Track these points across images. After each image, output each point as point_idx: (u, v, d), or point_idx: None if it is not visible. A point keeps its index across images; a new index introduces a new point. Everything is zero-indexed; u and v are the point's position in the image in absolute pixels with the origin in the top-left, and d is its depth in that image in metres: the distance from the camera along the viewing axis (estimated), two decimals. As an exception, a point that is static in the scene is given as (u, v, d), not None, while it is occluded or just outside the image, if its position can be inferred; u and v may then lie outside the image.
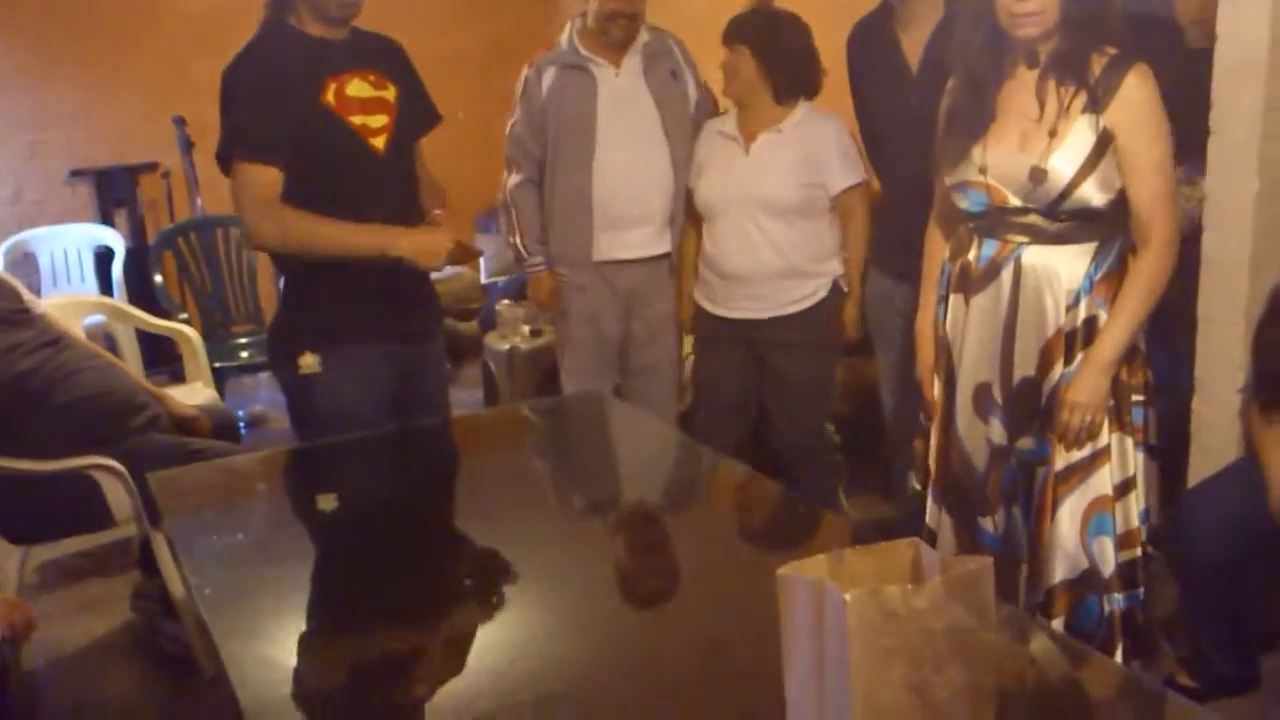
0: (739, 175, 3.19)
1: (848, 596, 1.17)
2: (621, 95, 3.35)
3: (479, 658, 1.72)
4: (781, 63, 3.14)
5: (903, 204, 2.93)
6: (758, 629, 1.45)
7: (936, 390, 2.54)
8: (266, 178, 2.50)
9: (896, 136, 2.96)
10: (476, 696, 1.60)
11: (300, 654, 1.75)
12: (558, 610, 1.87)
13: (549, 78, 3.37)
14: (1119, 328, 2.28)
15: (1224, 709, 2.51)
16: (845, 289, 3.26)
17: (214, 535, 2.20)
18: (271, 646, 1.76)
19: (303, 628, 1.85)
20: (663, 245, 3.46)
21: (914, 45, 2.86)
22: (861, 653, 1.18)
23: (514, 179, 3.47)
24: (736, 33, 3.18)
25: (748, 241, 3.19)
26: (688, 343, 3.76)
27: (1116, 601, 2.36)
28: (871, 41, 3.00)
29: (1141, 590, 2.40)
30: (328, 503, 2.47)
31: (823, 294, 3.24)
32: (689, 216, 3.39)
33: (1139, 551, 2.38)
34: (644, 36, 3.38)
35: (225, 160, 2.55)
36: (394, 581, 1.95)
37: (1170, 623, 2.68)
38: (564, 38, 3.41)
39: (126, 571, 3.53)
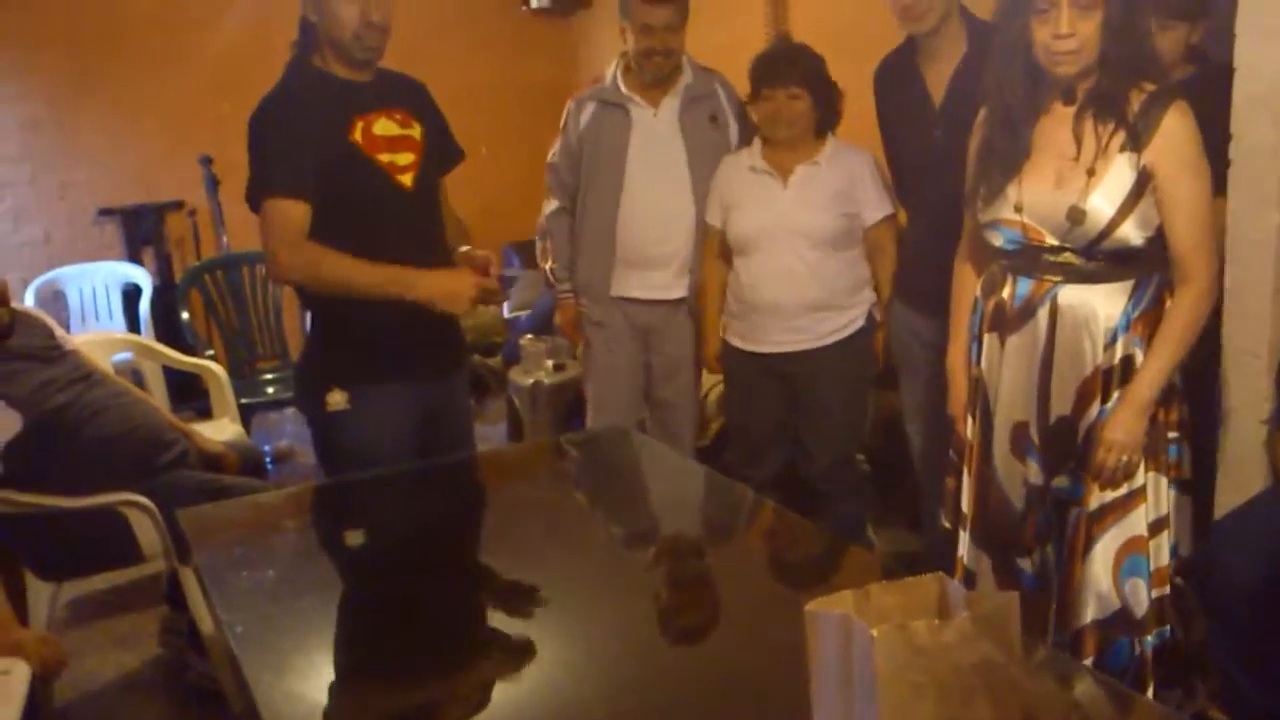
0: (779, 208, 3.21)
1: (875, 632, 1.18)
2: (654, 136, 3.40)
3: (506, 694, 1.73)
4: (825, 98, 3.19)
5: (928, 236, 2.96)
6: (785, 665, 1.46)
7: (971, 430, 2.52)
8: (295, 213, 2.52)
9: (921, 169, 2.98)
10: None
11: (331, 690, 1.77)
12: (585, 647, 1.88)
13: (588, 113, 3.45)
14: (1157, 367, 2.25)
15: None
16: (878, 319, 3.29)
17: (244, 571, 2.22)
18: (302, 682, 1.78)
19: (333, 663, 1.86)
20: (681, 289, 3.49)
21: (938, 79, 2.89)
22: (889, 688, 1.19)
23: (550, 207, 3.59)
24: (790, 75, 3.15)
25: (789, 273, 3.20)
26: (708, 379, 3.77)
27: (1148, 643, 2.34)
28: (896, 76, 3.02)
29: (1169, 626, 2.37)
30: (356, 538, 2.50)
31: (860, 323, 3.27)
32: (712, 254, 3.40)
33: (1168, 588, 2.36)
34: (687, 77, 3.42)
35: (255, 199, 2.57)
36: (423, 617, 1.96)
37: (1200, 654, 2.67)
38: (609, 73, 3.48)
39: (155, 607, 3.55)
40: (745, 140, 3.44)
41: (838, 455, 3.40)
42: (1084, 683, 1.62)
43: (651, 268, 3.46)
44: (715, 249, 3.38)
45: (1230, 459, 2.74)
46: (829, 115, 3.22)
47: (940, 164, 2.76)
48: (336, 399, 2.61)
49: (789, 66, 3.17)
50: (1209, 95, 2.43)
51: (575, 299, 3.61)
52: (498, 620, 2.02)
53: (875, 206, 3.22)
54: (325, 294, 2.59)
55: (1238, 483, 2.72)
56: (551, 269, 3.62)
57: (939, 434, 3.00)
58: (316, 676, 1.81)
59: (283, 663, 1.82)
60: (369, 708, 1.74)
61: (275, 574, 2.22)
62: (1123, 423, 2.26)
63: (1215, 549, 2.50)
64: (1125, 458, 2.27)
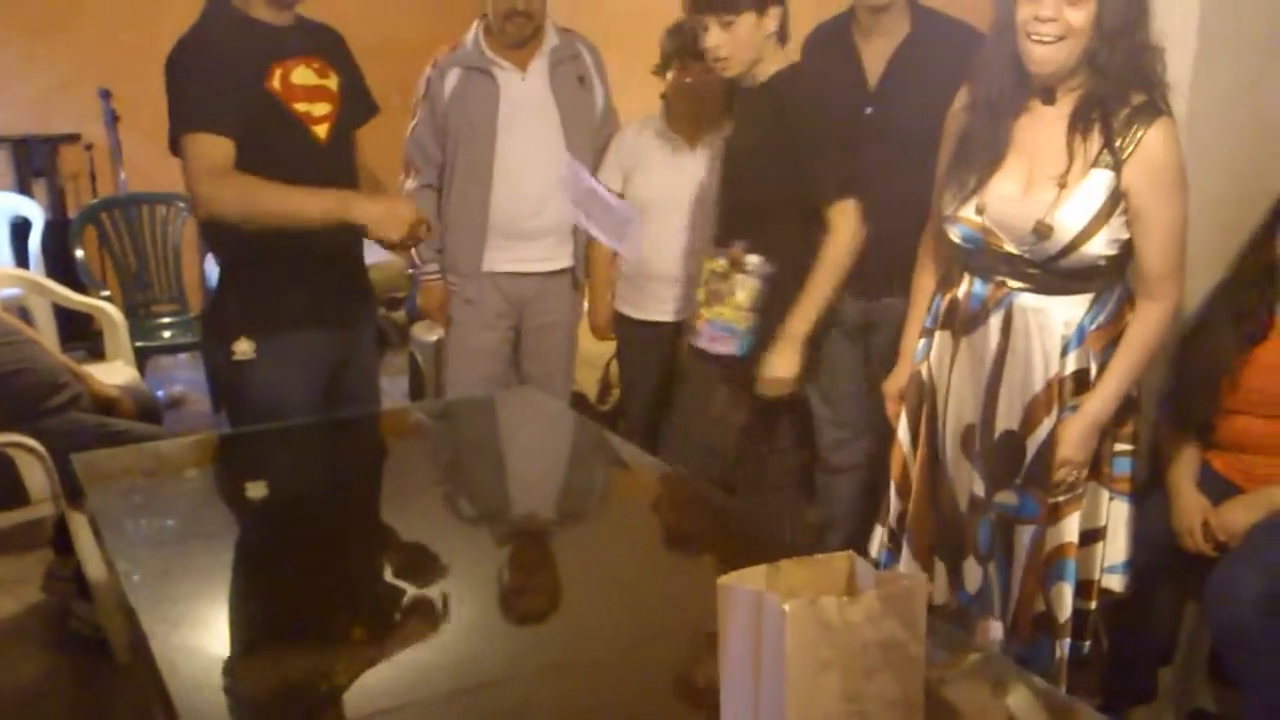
0: (685, 174, 3.21)
1: (787, 607, 1.21)
2: (525, 101, 3.26)
3: (404, 650, 1.73)
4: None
5: None
6: (681, 621, 1.47)
7: (906, 434, 2.48)
8: (219, 146, 2.45)
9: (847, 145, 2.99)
10: (397, 685, 1.62)
11: (229, 642, 1.76)
12: (484, 606, 1.89)
13: (452, 79, 3.26)
14: (1115, 385, 2.22)
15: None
16: None
17: (141, 519, 2.18)
18: (200, 634, 1.76)
19: (231, 616, 1.84)
20: (558, 261, 3.40)
21: (874, 55, 2.85)
22: (797, 662, 1.22)
23: (411, 183, 3.37)
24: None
25: (687, 240, 3.21)
26: (609, 347, 3.77)
27: (1066, 646, 2.32)
28: (829, 47, 3.00)
29: (1088, 644, 2.37)
30: (258, 490, 2.46)
31: None
32: None
33: (1093, 604, 2.36)
34: (552, 39, 3.30)
35: (175, 136, 2.50)
36: (322, 572, 1.95)
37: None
38: (469, 37, 3.30)
39: (37, 551, 3.47)
40: (606, 107, 3.41)
41: None
42: (1019, 690, 1.63)
43: (527, 240, 3.34)
44: None
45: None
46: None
47: (869, 142, 2.77)
48: (244, 348, 2.57)
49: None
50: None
51: (443, 278, 3.42)
52: (395, 576, 2.01)
53: None
54: (252, 226, 2.48)
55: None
56: (415, 250, 3.33)
57: (843, 407, 3.07)
58: (214, 628, 1.79)
59: (181, 614, 1.79)
60: (266, 660, 1.73)
61: (174, 523, 2.18)
62: (1076, 440, 2.22)
63: (1221, 560, 2.46)
64: (1075, 474, 2.25)
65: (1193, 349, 2.59)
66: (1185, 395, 2.58)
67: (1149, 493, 2.60)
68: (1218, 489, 2.52)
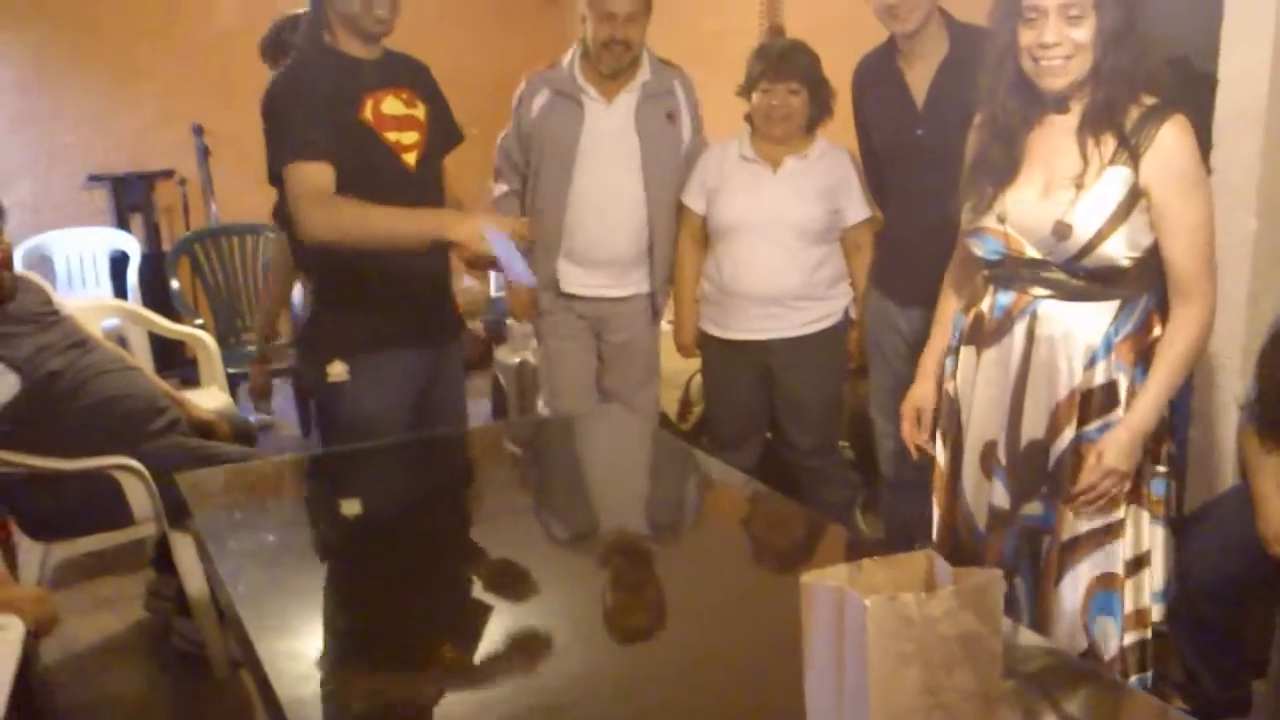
0: (769, 196, 3.26)
1: (868, 602, 1.25)
2: (607, 132, 3.30)
3: (500, 662, 1.78)
4: (819, 95, 3.25)
5: (908, 231, 3.03)
6: (774, 638, 1.52)
7: (941, 452, 2.45)
8: (321, 173, 2.53)
9: (903, 167, 3.04)
10: (493, 699, 1.67)
11: (331, 650, 1.83)
12: (575, 620, 1.93)
13: (541, 99, 3.33)
14: (1157, 391, 2.15)
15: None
16: (854, 317, 3.37)
17: (243, 535, 2.27)
18: (303, 642, 1.84)
19: (332, 626, 1.92)
20: (627, 288, 3.45)
21: (918, 79, 2.94)
22: (879, 656, 1.26)
23: (499, 189, 3.46)
24: (791, 71, 3.21)
25: (771, 261, 3.26)
26: (691, 364, 3.82)
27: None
28: (877, 75, 3.08)
29: (1150, 674, 2.28)
30: (353, 507, 2.55)
31: (837, 318, 3.36)
32: (688, 240, 3.43)
33: (1149, 633, 2.27)
34: (645, 73, 3.33)
35: (276, 168, 2.58)
36: (413, 584, 2.02)
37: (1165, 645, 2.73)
38: (565, 59, 3.36)
39: (138, 571, 3.59)
40: (695, 141, 3.45)
41: (817, 443, 3.47)
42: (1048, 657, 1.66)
43: (597, 266, 3.40)
44: (692, 234, 3.42)
45: (1199, 458, 2.83)
46: (821, 112, 3.29)
47: (922, 162, 2.85)
48: (338, 370, 2.66)
49: (791, 63, 3.23)
50: (1190, 105, 2.47)
51: None
52: (493, 592, 2.07)
53: (858, 208, 3.30)
54: (352, 249, 2.55)
55: (1205, 481, 2.81)
56: None
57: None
58: (317, 637, 1.87)
59: (284, 625, 1.87)
60: (366, 669, 1.79)
61: (275, 539, 2.27)
62: (1121, 447, 2.15)
63: (1182, 543, 2.50)
64: (1118, 486, 2.18)
65: (1275, 356, 2.57)
66: (1269, 400, 2.56)
67: (1231, 502, 2.59)
68: (1306, 495, 2.50)
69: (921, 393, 2.52)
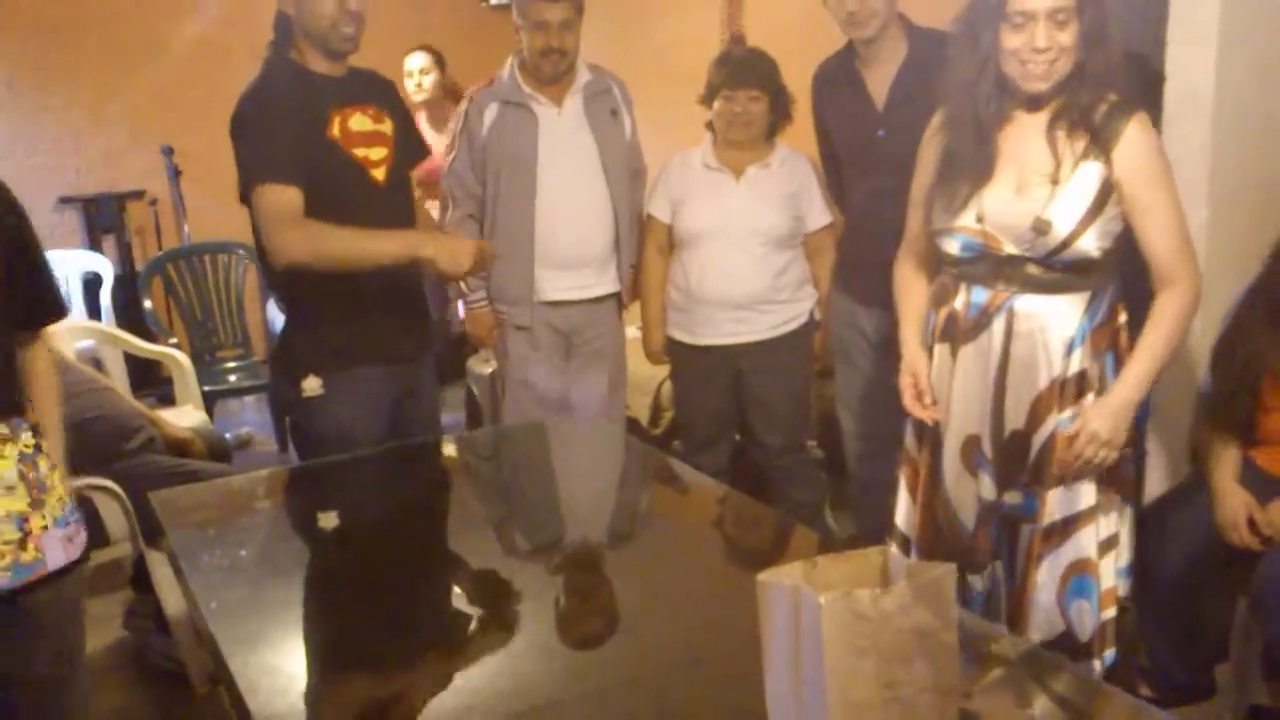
0: (733, 204, 3.32)
1: (822, 600, 1.28)
2: (563, 134, 3.34)
3: (477, 672, 1.80)
4: (779, 102, 3.31)
5: (868, 231, 3.04)
6: (739, 639, 1.55)
7: (918, 451, 2.49)
8: (289, 195, 2.55)
9: (864, 168, 3.09)
10: (462, 707, 1.69)
11: (305, 665, 1.85)
12: (545, 627, 1.97)
13: (490, 114, 3.34)
14: (1143, 369, 2.21)
15: (1181, 717, 2.62)
16: (818, 318, 3.43)
17: (217, 552, 2.29)
18: (277, 657, 1.86)
19: (306, 641, 1.94)
20: (603, 286, 3.47)
21: (878, 81, 2.99)
22: (835, 651, 1.29)
23: (454, 214, 3.43)
24: (752, 78, 3.27)
25: (739, 267, 3.31)
26: (660, 370, 3.86)
27: (1094, 668, 2.30)
28: (837, 78, 3.12)
29: (1113, 650, 2.35)
30: (327, 520, 2.56)
31: (803, 319, 3.42)
32: (654, 249, 3.47)
33: (1114, 610, 2.34)
34: (585, 75, 3.38)
35: (246, 189, 2.60)
36: (394, 598, 2.04)
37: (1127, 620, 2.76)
38: (504, 73, 3.38)
39: (116, 590, 3.59)
40: (634, 138, 3.49)
41: (787, 442, 3.52)
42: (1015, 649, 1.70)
43: (573, 268, 3.41)
44: (658, 243, 3.46)
45: (1157, 449, 2.87)
46: (781, 118, 3.35)
47: (883, 162, 2.89)
48: (312, 385, 2.67)
49: (751, 70, 3.28)
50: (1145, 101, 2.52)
51: (490, 305, 3.48)
52: (467, 600, 2.10)
53: (819, 214, 3.37)
54: (324, 270, 2.58)
55: (1164, 471, 2.86)
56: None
57: (870, 420, 3.13)
58: (290, 652, 1.89)
59: (258, 639, 1.89)
60: (341, 682, 1.83)
61: (248, 555, 2.29)
62: (1105, 416, 2.20)
63: (1144, 532, 2.55)
64: (1102, 455, 2.22)
65: (1229, 347, 2.61)
66: (1224, 394, 2.61)
67: (1190, 493, 2.64)
68: (1261, 484, 2.55)
69: (910, 359, 2.48)
